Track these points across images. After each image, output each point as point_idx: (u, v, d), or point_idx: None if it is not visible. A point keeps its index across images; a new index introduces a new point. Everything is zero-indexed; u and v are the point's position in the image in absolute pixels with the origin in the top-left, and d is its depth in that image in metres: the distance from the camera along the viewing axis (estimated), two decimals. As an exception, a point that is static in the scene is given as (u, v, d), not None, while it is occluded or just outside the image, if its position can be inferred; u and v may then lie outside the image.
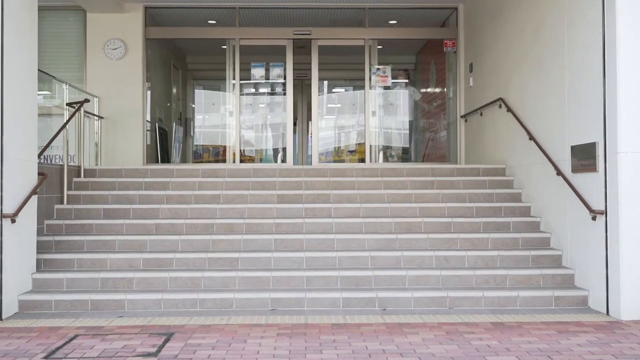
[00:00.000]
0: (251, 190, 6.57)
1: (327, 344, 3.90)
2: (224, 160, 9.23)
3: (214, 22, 9.46)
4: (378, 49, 9.36)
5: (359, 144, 9.54)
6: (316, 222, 6.01)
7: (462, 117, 8.75)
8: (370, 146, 9.04)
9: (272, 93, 9.37)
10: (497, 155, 7.30)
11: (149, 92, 8.89)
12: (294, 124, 9.84)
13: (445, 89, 9.46)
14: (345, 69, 9.66)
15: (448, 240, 5.77)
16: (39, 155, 5.77)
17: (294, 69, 9.29)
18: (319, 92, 8.91)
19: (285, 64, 8.93)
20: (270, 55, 10.33)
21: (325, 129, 9.93)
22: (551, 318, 4.64)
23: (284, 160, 8.82)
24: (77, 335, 4.16)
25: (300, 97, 12.12)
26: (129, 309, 4.91)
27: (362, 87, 9.05)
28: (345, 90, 10.46)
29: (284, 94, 8.95)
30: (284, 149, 8.87)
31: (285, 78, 8.94)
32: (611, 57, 4.71)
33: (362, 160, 8.96)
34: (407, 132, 10.31)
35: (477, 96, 8.13)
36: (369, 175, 6.95)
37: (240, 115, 8.89)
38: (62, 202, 6.41)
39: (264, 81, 9.09)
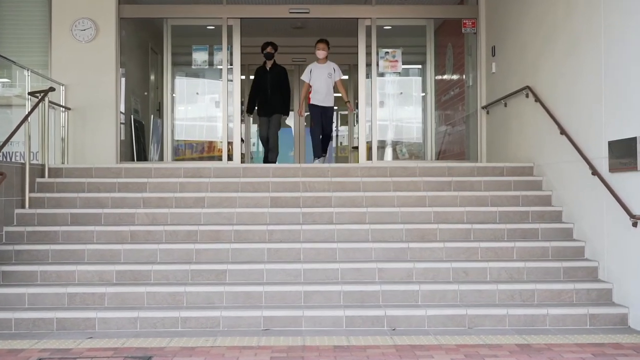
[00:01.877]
0: (240, 193, 6.57)
1: (327, 369, 3.90)
2: (210, 158, 9.26)
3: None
4: (386, 29, 9.36)
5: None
6: (315, 229, 6.01)
7: (483, 108, 8.76)
8: (378, 142, 9.03)
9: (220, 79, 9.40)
10: (524, 152, 7.30)
11: (123, 80, 8.89)
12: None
13: (464, 76, 9.46)
14: (349, 52, 9.65)
15: (467, 249, 5.77)
16: (-3, 152, 5.77)
17: (288, 53, 9.31)
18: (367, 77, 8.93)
19: (232, 46, 8.87)
20: (264, 36, 10.31)
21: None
22: (585, 339, 4.64)
23: (230, 158, 8.78)
24: (40, 359, 4.15)
25: (298, 85, 12.13)
26: (100, 329, 4.91)
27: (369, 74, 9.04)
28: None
29: (231, 80, 8.88)
30: (230, 144, 8.84)
31: (232, 63, 8.87)
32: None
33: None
34: (420, 125, 10.33)
35: (501, 84, 8.13)
36: (376, 175, 6.95)
37: (228, 106, 8.90)
38: (23, 206, 6.41)
39: (207, 67, 9.16)
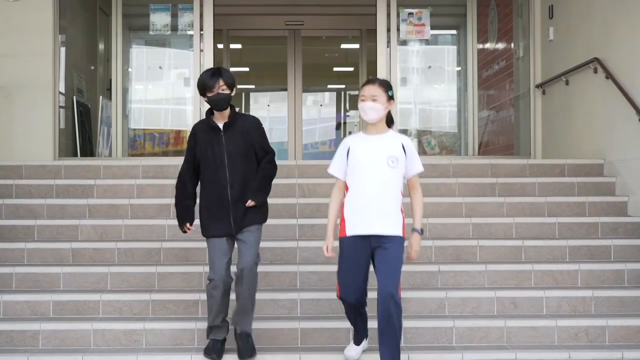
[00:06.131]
0: (218, 198, 6.57)
1: None
2: (177, 152, 9.25)
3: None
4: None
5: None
6: (316, 246, 5.96)
7: (537, 86, 8.76)
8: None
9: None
10: (591, 145, 7.30)
11: (63, 50, 8.88)
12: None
13: (512, 45, 9.45)
14: (361, 13, 9.64)
15: (517, 273, 5.76)
16: None
17: (281, 14, 9.22)
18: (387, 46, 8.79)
19: (202, 6, 8.74)
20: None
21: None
22: (673, 392, 4.64)
23: None
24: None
25: (294, 57, 12.13)
26: (33, 379, 4.92)
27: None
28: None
29: (201, 50, 8.82)
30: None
31: (202, 28, 8.77)
32: None
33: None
34: (455, 109, 10.33)
35: (561, 55, 8.13)
36: (397, 176, 6.94)
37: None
38: None
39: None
